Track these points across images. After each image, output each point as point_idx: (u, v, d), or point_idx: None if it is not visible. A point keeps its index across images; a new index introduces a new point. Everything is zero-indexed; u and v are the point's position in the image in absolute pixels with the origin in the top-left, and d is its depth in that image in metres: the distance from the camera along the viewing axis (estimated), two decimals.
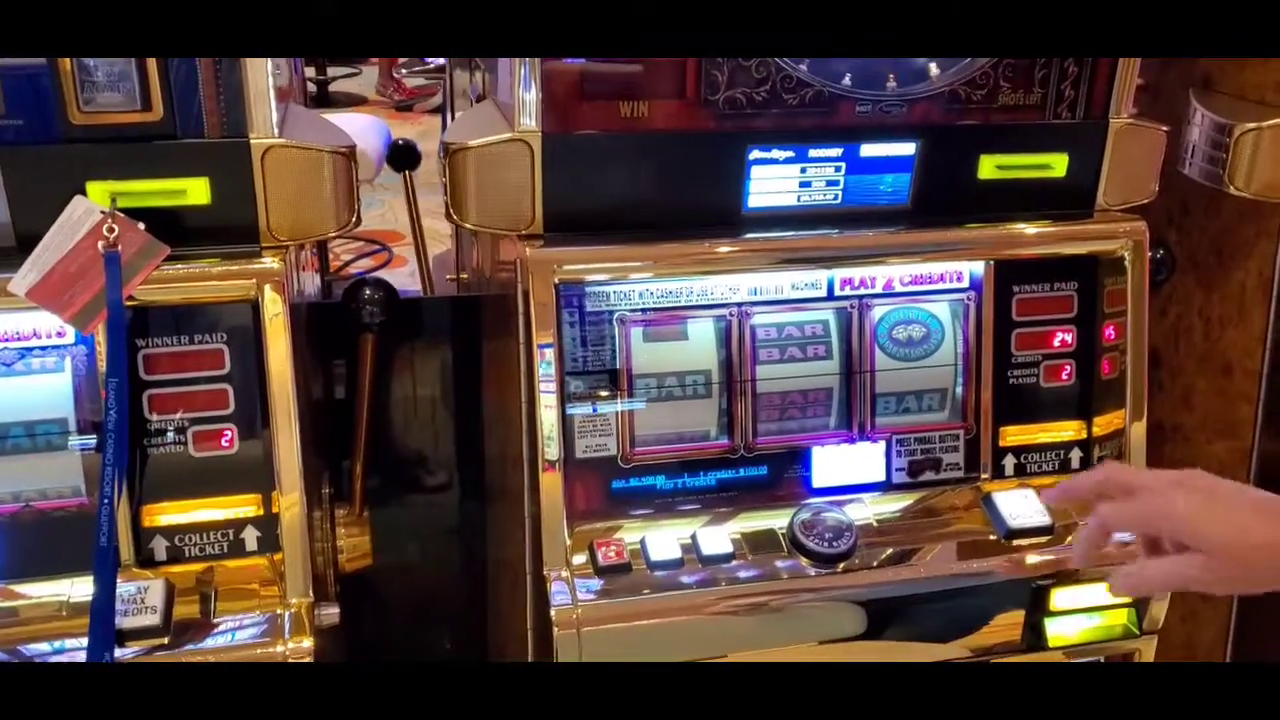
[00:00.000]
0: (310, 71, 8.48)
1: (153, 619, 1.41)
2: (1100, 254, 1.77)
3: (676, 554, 1.61)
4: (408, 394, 2.36)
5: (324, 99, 8.53)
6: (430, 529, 2.43)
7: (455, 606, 2.45)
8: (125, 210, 1.43)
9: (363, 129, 4.83)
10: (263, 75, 1.43)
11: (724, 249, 1.66)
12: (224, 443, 1.50)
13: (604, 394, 1.65)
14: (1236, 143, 1.82)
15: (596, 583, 1.58)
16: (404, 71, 8.43)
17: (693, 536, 1.64)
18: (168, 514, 1.50)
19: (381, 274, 5.39)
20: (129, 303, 1.42)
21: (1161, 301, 2.16)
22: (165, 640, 1.41)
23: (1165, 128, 1.79)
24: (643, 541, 1.62)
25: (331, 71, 8.62)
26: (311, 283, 2.19)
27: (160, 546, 1.50)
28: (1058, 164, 1.74)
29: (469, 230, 1.73)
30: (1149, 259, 1.79)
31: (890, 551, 1.68)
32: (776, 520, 1.69)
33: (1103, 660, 1.78)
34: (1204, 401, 2.09)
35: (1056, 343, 1.78)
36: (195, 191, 1.46)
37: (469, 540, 2.38)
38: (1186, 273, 2.09)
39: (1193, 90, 1.95)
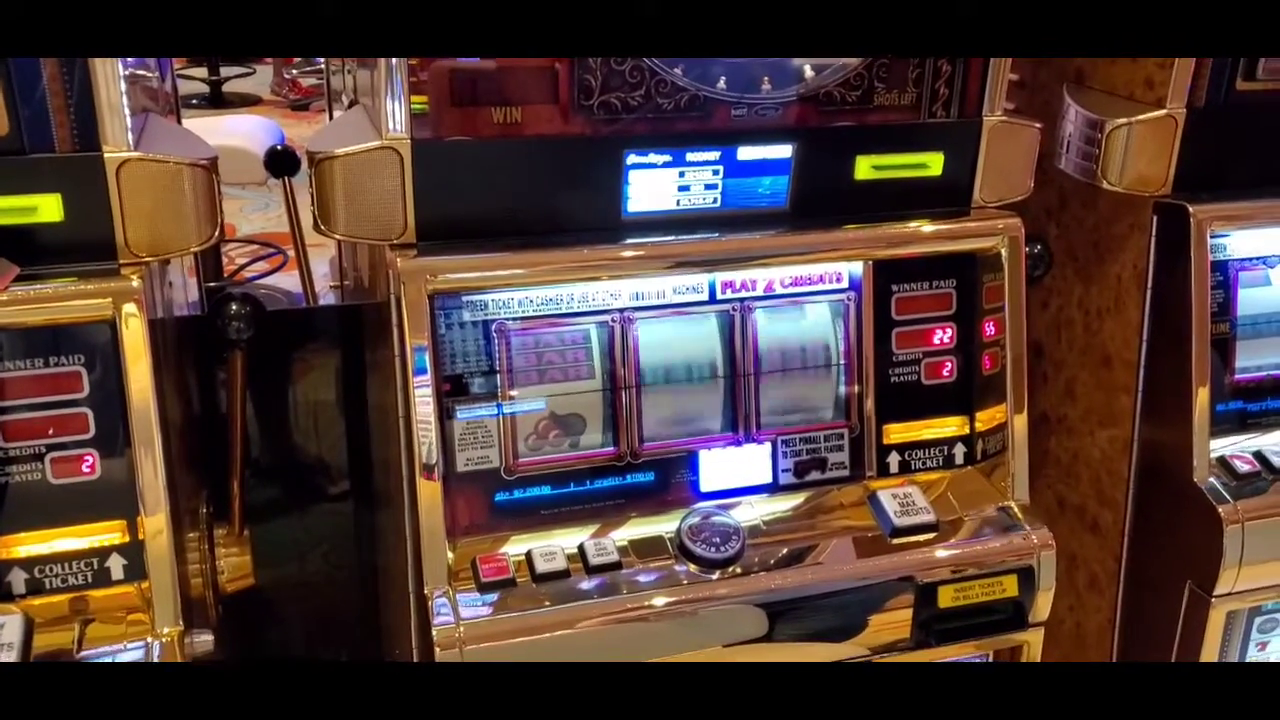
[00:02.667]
0: (203, 72, 8.29)
1: (9, 656, 1.34)
2: (977, 251, 1.79)
3: (562, 565, 1.59)
4: (301, 403, 2.31)
5: (218, 99, 8.34)
6: (328, 541, 2.38)
7: (353, 617, 2.40)
8: None
9: (254, 130, 4.74)
10: (114, 86, 1.37)
11: (603, 255, 1.63)
12: (85, 468, 1.44)
13: (484, 405, 1.62)
14: (1108, 138, 1.85)
15: (480, 599, 1.55)
16: (295, 72, 8.27)
17: (579, 546, 1.62)
18: (26, 545, 1.44)
19: (276, 277, 5.30)
20: None
21: (1043, 294, 2.19)
22: None
23: (1039, 124, 1.81)
24: (528, 554, 1.60)
25: (225, 71, 8.42)
26: (188, 292, 2.12)
27: (19, 579, 1.43)
28: (933, 163, 1.75)
29: (337, 240, 1.68)
30: (1026, 254, 1.81)
31: (777, 553, 1.67)
32: (665, 526, 1.68)
33: (991, 655, 1.80)
34: (1086, 392, 2.13)
35: (936, 340, 1.79)
36: (47, 208, 1.40)
37: (365, 552, 2.34)
38: (1066, 266, 2.12)
39: (1066, 86, 1.98)
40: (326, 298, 3.21)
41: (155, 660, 1.41)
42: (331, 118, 2.43)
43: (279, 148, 2.30)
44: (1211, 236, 1.88)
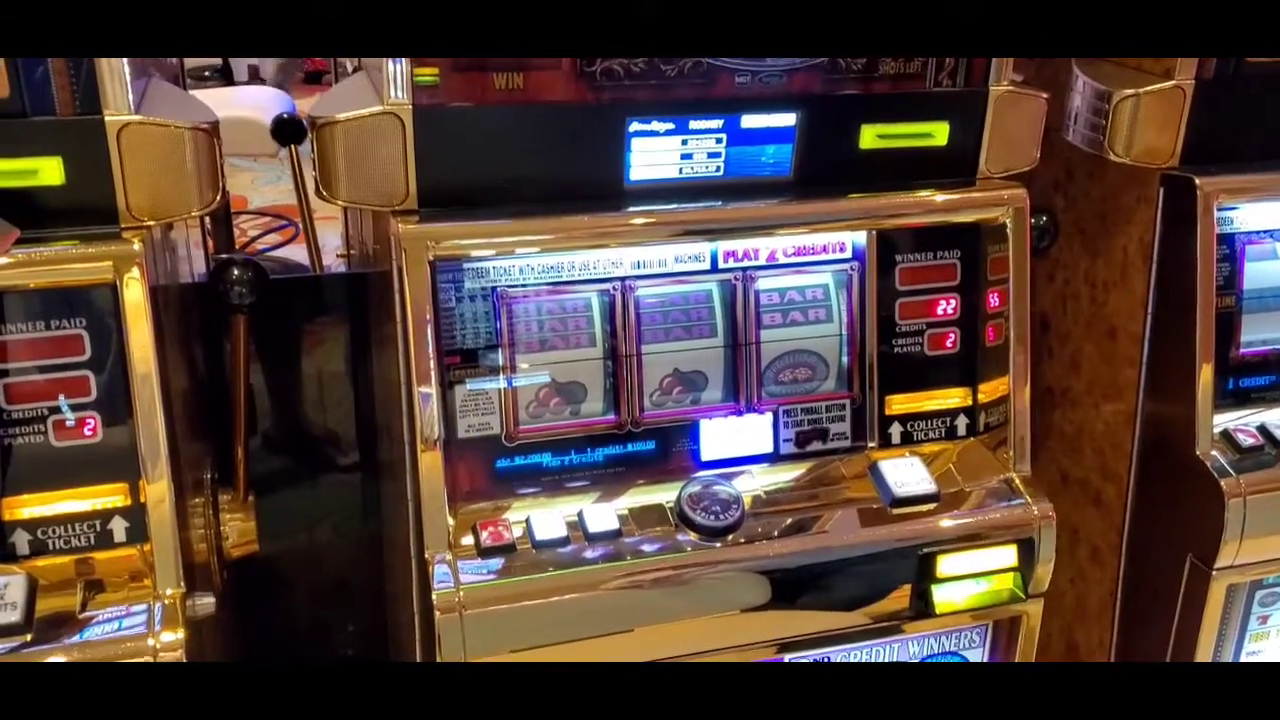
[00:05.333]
0: None
1: (13, 616, 1.36)
2: (982, 222, 1.78)
3: (562, 532, 1.60)
4: (310, 375, 2.31)
5: (229, 71, 8.32)
6: (335, 509, 2.39)
7: (359, 588, 2.42)
8: None
9: (265, 102, 4.72)
10: None
11: (605, 223, 1.63)
12: (87, 431, 1.45)
13: (485, 372, 1.62)
14: (1116, 109, 1.84)
15: (480, 564, 1.56)
16: None
17: (579, 514, 1.63)
18: (30, 506, 1.44)
19: (289, 249, 5.30)
20: None
21: (1049, 267, 2.18)
22: (28, 637, 1.36)
23: (1045, 95, 1.80)
24: (528, 520, 1.61)
25: None
26: (195, 264, 2.12)
27: (22, 540, 1.44)
28: (939, 132, 1.74)
29: (340, 206, 1.69)
30: (1031, 226, 1.80)
31: (778, 523, 1.68)
32: (665, 495, 1.68)
33: (990, 625, 1.81)
34: (1091, 365, 2.12)
35: (940, 311, 1.79)
36: (48, 171, 1.40)
37: (373, 522, 2.35)
38: (1073, 238, 2.11)
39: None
40: (337, 269, 3.21)
41: (156, 622, 1.42)
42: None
43: (285, 116, 2.30)
44: (1218, 209, 1.86)
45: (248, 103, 4.54)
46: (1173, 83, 1.82)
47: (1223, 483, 1.85)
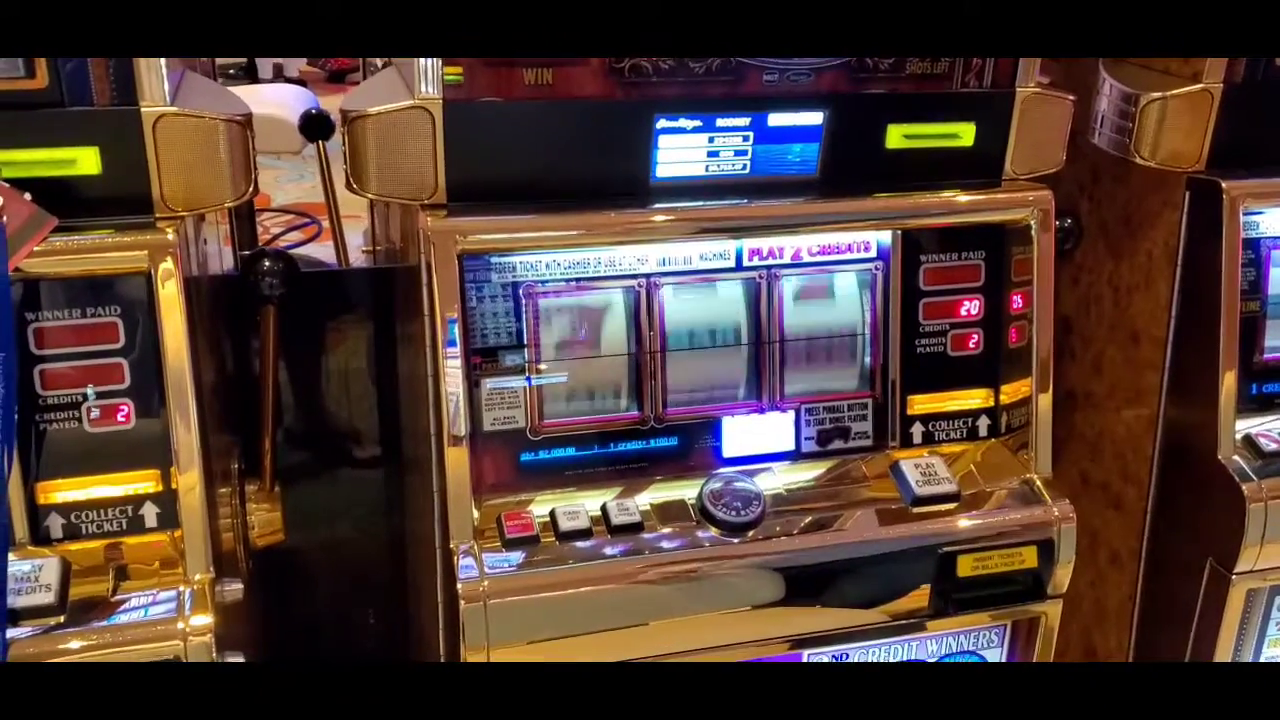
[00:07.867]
0: None
1: (47, 597, 1.38)
2: (1007, 223, 1.78)
3: (585, 525, 1.61)
4: (333, 367, 2.33)
5: (254, 69, 8.39)
6: (358, 503, 2.41)
7: (381, 580, 2.44)
8: (10, 180, 1.39)
9: (289, 99, 4.76)
10: None
11: (631, 219, 1.64)
12: (120, 418, 1.47)
13: (510, 366, 1.64)
14: (1142, 112, 1.84)
15: (504, 555, 1.57)
16: None
17: (602, 507, 1.64)
18: (63, 491, 1.47)
19: (310, 247, 5.35)
20: (15, 275, 1.39)
21: (1073, 269, 2.18)
22: (61, 619, 1.39)
23: (1072, 97, 1.80)
24: (552, 513, 1.62)
25: None
26: (223, 260, 2.14)
27: (56, 524, 1.47)
28: (965, 133, 1.75)
29: (370, 200, 1.71)
30: (1056, 228, 1.81)
31: (799, 520, 1.69)
32: (686, 491, 1.69)
33: (1009, 625, 1.81)
34: (1113, 369, 2.12)
35: (964, 312, 1.80)
36: (85, 161, 1.42)
37: (394, 514, 2.37)
38: (1097, 241, 2.11)
39: (1102, 60, 1.97)
40: (360, 264, 3.23)
41: (186, 606, 1.44)
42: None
43: (313, 111, 2.33)
44: (1244, 214, 1.86)
45: (272, 100, 4.58)
46: (1200, 86, 1.82)
47: (1244, 487, 1.85)
